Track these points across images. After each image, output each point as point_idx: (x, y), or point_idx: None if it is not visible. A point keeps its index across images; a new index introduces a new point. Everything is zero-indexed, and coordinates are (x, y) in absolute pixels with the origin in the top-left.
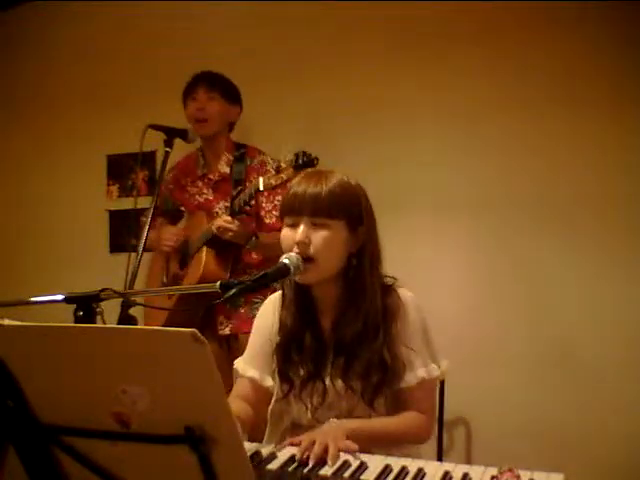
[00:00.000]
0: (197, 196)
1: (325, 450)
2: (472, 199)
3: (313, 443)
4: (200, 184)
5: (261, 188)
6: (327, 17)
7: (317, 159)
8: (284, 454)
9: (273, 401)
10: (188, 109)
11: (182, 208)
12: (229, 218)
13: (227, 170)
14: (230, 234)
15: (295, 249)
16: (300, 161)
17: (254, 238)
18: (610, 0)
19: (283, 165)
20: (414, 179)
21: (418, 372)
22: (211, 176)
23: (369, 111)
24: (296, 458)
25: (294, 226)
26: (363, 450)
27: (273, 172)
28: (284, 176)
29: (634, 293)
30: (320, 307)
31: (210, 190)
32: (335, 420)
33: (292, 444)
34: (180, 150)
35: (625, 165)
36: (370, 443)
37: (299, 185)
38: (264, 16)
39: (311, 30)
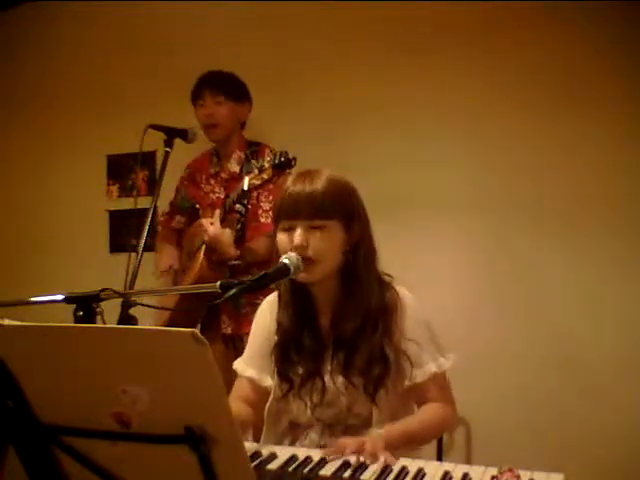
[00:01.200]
0: (210, 194)
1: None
2: (472, 199)
3: (362, 444)
4: (213, 182)
5: (245, 188)
6: (328, 18)
7: (295, 159)
8: (284, 454)
9: (270, 400)
10: (197, 115)
11: (197, 205)
12: (212, 220)
13: (237, 169)
14: (206, 238)
15: (294, 252)
16: (277, 161)
17: (234, 262)
18: (610, 0)
19: (265, 165)
20: (414, 179)
21: (428, 367)
22: (223, 174)
23: (369, 111)
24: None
25: (290, 230)
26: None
27: (257, 172)
28: (265, 176)
29: (634, 293)
30: (318, 305)
31: (222, 188)
32: (377, 431)
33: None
34: (181, 150)
35: (625, 165)
36: (408, 446)
37: (292, 187)
38: (265, 16)
39: (312, 31)
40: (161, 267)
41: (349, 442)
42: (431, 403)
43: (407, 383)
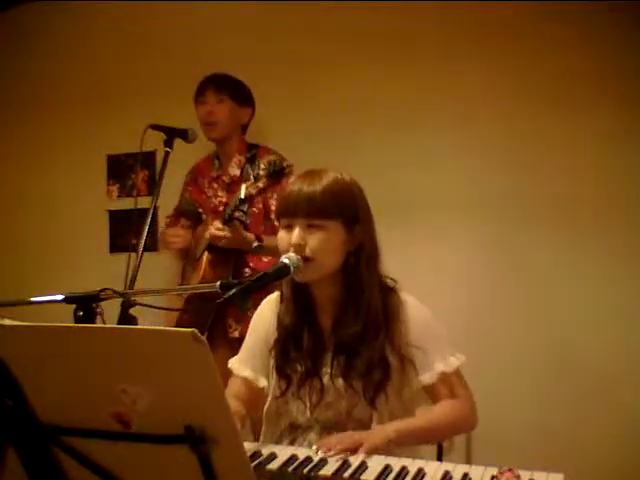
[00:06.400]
0: (213, 198)
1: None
2: (472, 199)
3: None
4: (215, 186)
5: (242, 196)
6: (329, 18)
7: (289, 166)
8: (284, 454)
9: (269, 400)
10: (198, 112)
11: (200, 210)
12: (220, 225)
13: (237, 172)
14: (224, 241)
15: (291, 251)
16: (272, 170)
17: (256, 243)
18: (612, 0)
19: (261, 174)
20: (414, 179)
21: (436, 368)
22: (225, 178)
23: (369, 112)
24: (319, 449)
25: (289, 227)
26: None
27: (253, 180)
28: (261, 184)
29: (635, 293)
30: (319, 305)
31: (224, 192)
32: (378, 426)
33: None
34: (181, 150)
35: (625, 165)
36: (418, 441)
37: (293, 186)
38: (266, 16)
39: (313, 31)
40: (176, 241)
41: (343, 438)
42: (443, 400)
43: (416, 387)
